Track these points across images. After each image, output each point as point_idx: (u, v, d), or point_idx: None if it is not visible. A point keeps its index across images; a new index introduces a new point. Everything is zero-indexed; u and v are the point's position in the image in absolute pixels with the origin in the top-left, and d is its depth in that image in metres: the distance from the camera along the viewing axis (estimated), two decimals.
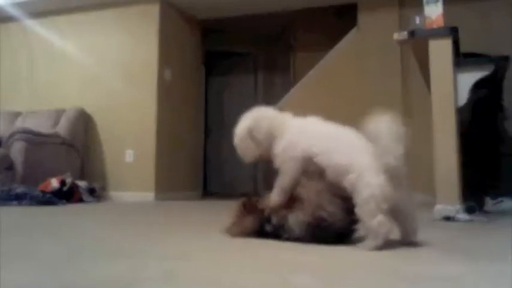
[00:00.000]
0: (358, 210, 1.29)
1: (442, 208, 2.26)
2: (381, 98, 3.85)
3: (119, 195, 4.50)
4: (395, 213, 1.32)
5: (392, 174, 1.29)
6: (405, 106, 3.87)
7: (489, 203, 2.63)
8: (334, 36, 4.36)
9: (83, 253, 1.12)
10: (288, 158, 1.50)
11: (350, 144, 1.44)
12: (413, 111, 3.81)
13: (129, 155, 4.59)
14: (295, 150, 1.49)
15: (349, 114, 4.05)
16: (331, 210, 1.34)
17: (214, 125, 6.21)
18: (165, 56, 4.74)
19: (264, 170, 5.41)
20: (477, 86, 2.52)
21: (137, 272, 0.88)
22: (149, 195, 4.43)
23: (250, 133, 1.57)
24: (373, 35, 4.03)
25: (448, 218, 2.22)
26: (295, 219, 1.39)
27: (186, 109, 5.21)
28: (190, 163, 5.27)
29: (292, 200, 1.45)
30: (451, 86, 2.33)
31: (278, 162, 1.53)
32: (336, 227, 1.35)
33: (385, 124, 1.32)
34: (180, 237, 1.62)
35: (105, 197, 4.48)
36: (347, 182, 1.35)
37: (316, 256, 1.20)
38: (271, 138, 1.55)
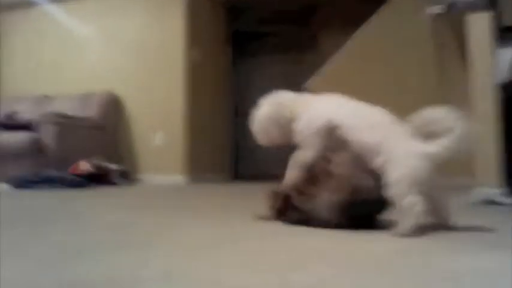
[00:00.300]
0: (389, 192, 1.20)
1: (482, 191, 2.11)
2: (414, 75, 3.66)
3: (149, 177, 4.53)
4: (427, 198, 1.22)
5: (434, 162, 1.21)
6: (440, 79, 3.66)
7: None
8: (361, 16, 4.16)
9: (85, 246, 1.07)
10: (311, 131, 1.42)
11: (379, 122, 1.34)
12: (449, 86, 3.61)
13: (158, 138, 4.59)
14: (318, 121, 1.41)
15: (382, 94, 3.91)
16: (366, 184, 1.25)
17: (245, 107, 6.13)
18: (191, 37, 4.68)
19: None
20: None
21: (136, 270, 0.82)
22: (179, 178, 4.43)
23: (271, 118, 1.51)
24: (405, 9, 3.81)
25: (489, 202, 2.08)
26: (326, 201, 1.29)
27: (213, 91, 5.16)
28: (220, 146, 5.24)
29: (315, 179, 1.35)
30: (490, 62, 2.15)
31: (299, 137, 1.46)
32: (373, 203, 1.26)
33: (442, 112, 1.22)
34: (198, 226, 1.56)
35: (136, 179, 4.52)
36: (376, 163, 1.27)
37: (343, 244, 1.11)
38: (292, 121, 1.49)
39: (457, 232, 1.26)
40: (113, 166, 4.18)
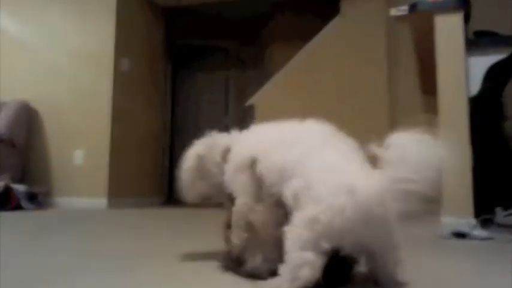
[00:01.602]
0: (286, 234, 0.85)
1: (451, 222, 1.80)
2: (365, 94, 3.42)
3: (66, 201, 3.90)
4: (363, 252, 0.87)
5: (378, 199, 0.80)
6: (392, 101, 3.44)
7: (500, 215, 2.19)
8: (314, 30, 3.91)
9: None
10: (235, 172, 1.08)
11: (303, 138, 0.98)
12: (400, 108, 3.39)
13: (78, 156, 3.99)
14: (239, 158, 1.09)
15: (330, 112, 3.62)
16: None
17: (183, 125, 5.66)
18: (123, 45, 4.19)
19: None
20: (488, 74, 2.08)
21: None
22: (101, 202, 3.85)
23: (200, 162, 1.22)
24: (357, 24, 3.60)
25: (459, 235, 1.77)
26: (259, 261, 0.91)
27: (147, 106, 4.67)
28: (152, 166, 4.71)
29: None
30: (462, 73, 1.89)
31: (228, 185, 1.11)
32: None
33: (412, 138, 0.83)
34: (95, 272, 1.09)
35: (49, 203, 3.87)
36: (287, 190, 0.90)
37: None
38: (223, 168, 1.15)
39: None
40: (20, 187, 3.54)
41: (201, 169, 1.21)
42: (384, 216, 0.81)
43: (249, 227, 0.94)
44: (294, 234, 0.83)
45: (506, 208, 2.14)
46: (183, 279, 1.00)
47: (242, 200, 1.01)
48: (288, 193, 0.88)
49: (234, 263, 1.00)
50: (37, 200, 3.63)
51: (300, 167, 0.89)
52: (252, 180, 0.99)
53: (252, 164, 1.00)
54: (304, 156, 0.91)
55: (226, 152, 1.17)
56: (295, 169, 0.90)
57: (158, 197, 4.78)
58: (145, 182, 4.55)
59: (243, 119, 5.30)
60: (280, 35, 5.16)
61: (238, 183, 1.05)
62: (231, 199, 1.07)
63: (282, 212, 0.91)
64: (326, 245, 0.79)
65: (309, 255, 0.79)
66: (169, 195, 5.17)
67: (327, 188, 0.82)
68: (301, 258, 0.79)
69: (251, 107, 3.79)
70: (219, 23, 5.54)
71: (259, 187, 0.97)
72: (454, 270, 1.16)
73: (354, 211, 0.78)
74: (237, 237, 0.96)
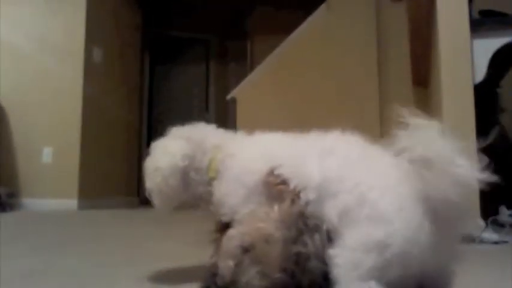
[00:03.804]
0: (334, 258, 0.67)
1: None
2: (354, 89, 3.22)
3: (33, 202, 3.61)
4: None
5: (439, 217, 0.64)
6: (381, 94, 3.25)
7: (504, 214, 2.02)
8: (298, 22, 3.70)
9: None
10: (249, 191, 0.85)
11: (339, 149, 0.81)
12: (390, 101, 3.21)
13: (46, 154, 3.70)
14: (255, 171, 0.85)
15: (315, 108, 3.42)
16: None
17: (161, 121, 5.39)
18: (95, 34, 3.91)
19: None
20: (491, 60, 1.90)
21: None
22: (71, 203, 3.57)
23: (187, 169, 0.95)
24: (344, 13, 3.40)
25: (468, 239, 1.58)
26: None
27: (122, 100, 4.40)
28: (128, 165, 4.45)
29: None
30: (468, 57, 1.70)
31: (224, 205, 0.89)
32: None
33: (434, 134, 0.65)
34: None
35: (15, 205, 3.57)
36: (331, 209, 0.71)
37: None
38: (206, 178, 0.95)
39: None
40: None
41: (186, 174, 0.95)
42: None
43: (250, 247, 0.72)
44: (349, 259, 0.64)
45: (509, 207, 1.97)
46: None
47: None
48: (333, 212, 0.69)
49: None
50: (0, 201, 3.33)
51: (347, 182, 0.71)
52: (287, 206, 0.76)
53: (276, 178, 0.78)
54: (349, 169, 0.73)
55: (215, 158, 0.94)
56: (340, 184, 0.71)
57: (134, 197, 4.52)
58: (120, 181, 4.28)
59: (223, 115, 5.08)
60: (263, 27, 4.95)
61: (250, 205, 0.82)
62: (222, 227, 0.85)
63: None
64: (395, 275, 0.62)
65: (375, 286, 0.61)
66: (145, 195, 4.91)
67: (389, 205, 0.65)
68: None
69: (233, 102, 3.57)
70: (199, 14, 5.30)
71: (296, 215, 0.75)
72: (465, 279, 0.96)
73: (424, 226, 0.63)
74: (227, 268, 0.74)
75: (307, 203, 0.74)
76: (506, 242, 1.52)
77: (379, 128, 3.05)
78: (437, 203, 0.62)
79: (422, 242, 0.62)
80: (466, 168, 0.62)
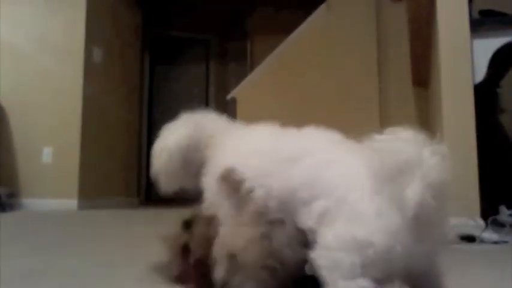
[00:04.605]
0: (315, 260, 0.66)
1: (459, 224, 1.61)
2: (354, 89, 3.22)
3: (33, 202, 3.61)
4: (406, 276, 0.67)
5: (420, 215, 0.62)
6: (382, 94, 3.25)
7: (504, 214, 2.02)
8: (298, 23, 3.70)
9: None
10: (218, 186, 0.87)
11: (311, 151, 0.79)
12: (390, 101, 3.21)
13: (46, 154, 3.71)
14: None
15: (315, 108, 3.41)
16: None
17: (161, 120, 5.38)
18: (95, 33, 3.91)
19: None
20: (493, 59, 1.90)
21: None
22: (71, 203, 3.57)
23: (191, 145, 1.00)
24: (344, 13, 3.40)
25: (468, 238, 1.58)
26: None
27: (122, 100, 4.39)
28: (128, 164, 4.44)
29: None
30: (468, 57, 1.70)
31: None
32: None
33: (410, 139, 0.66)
34: None
35: (15, 205, 3.57)
36: (310, 213, 0.71)
37: None
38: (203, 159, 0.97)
39: None
40: None
41: (187, 154, 0.99)
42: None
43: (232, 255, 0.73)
44: (330, 259, 0.63)
45: (509, 206, 1.97)
46: None
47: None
48: (308, 216, 0.69)
49: None
50: (0, 201, 3.33)
51: (322, 184, 0.70)
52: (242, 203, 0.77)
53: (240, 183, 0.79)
54: (322, 171, 0.72)
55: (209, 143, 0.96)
56: (314, 188, 0.71)
57: (134, 197, 4.52)
58: (120, 181, 4.28)
59: (224, 115, 5.08)
60: (263, 28, 4.95)
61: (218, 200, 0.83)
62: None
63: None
64: (378, 273, 0.61)
65: (363, 283, 0.60)
66: (147, 195, 4.91)
67: (368, 205, 0.64)
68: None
69: (233, 102, 3.57)
70: (199, 14, 5.30)
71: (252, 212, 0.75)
72: (466, 279, 0.96)
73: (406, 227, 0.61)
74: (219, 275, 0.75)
75: (266, 200, 0.75)
76: (506, 242, 1.52)
77: (379, 128, 3.05)
78: (413, 203, 0.62)
79: (404, 239, 0.61)
80: (437, 170, 0.61)
